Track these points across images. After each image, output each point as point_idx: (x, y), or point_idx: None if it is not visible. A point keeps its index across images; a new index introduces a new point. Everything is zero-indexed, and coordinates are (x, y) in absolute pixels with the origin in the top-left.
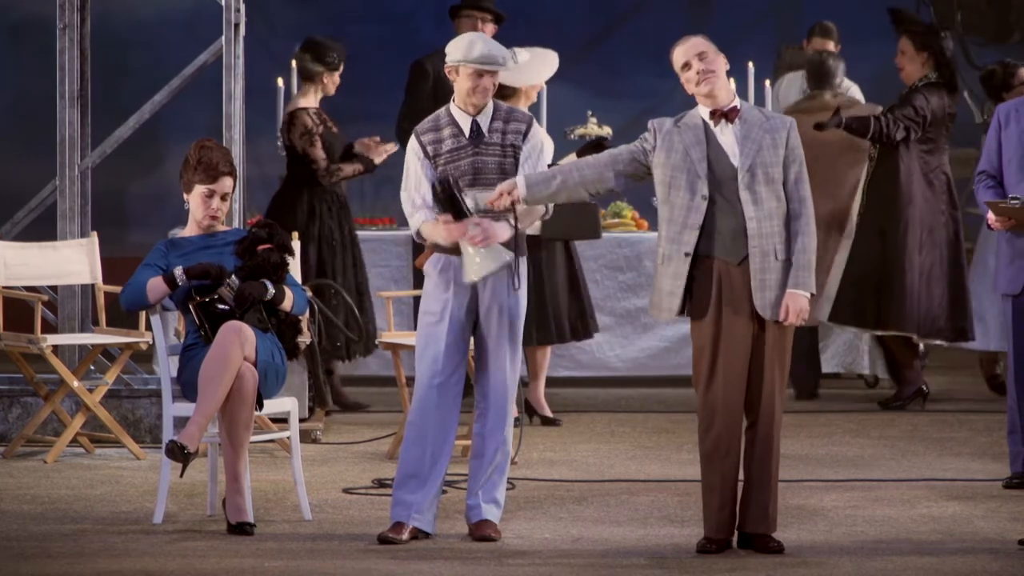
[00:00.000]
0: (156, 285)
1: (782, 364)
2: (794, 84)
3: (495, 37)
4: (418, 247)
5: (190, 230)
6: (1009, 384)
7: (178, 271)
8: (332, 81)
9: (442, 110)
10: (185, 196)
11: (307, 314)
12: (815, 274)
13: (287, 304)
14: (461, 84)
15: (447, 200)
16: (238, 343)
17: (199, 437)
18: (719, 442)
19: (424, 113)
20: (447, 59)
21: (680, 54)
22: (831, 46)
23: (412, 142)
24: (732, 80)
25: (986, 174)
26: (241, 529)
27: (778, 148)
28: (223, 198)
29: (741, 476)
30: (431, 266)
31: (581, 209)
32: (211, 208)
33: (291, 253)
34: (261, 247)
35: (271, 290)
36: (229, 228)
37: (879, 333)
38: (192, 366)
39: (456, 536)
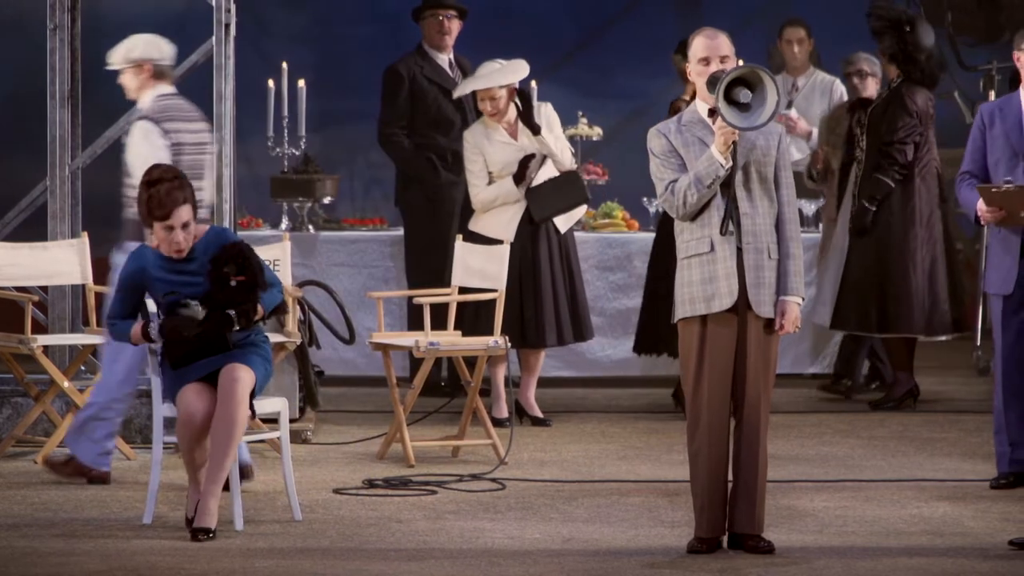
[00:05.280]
0: (136, 336)
1: (767, 364)
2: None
3: (463, 32)
4: None
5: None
6: (996, 384)
7: (153, 331)
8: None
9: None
10: (147, 230)
11: (299, 315)
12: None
13: (257, 317)
14: None
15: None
16: (203, 407)
17: (216, 509)
18: (705, 442)
19: (404, 116)
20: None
21: (703, 48)
22: (802, 33)
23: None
24: None
25: (970, 174)
26: (195, 533)
27: (771, 149)
28: (184, 227)
29: (731, 476)
30: None
31: (564, 181)
32: (175, 243)
33: (262, 288)
34: (233, 278)
35: (235, 323)
36: (198, 239)
37: (884, 336)
38: (172, 375)
39: (448, 536)
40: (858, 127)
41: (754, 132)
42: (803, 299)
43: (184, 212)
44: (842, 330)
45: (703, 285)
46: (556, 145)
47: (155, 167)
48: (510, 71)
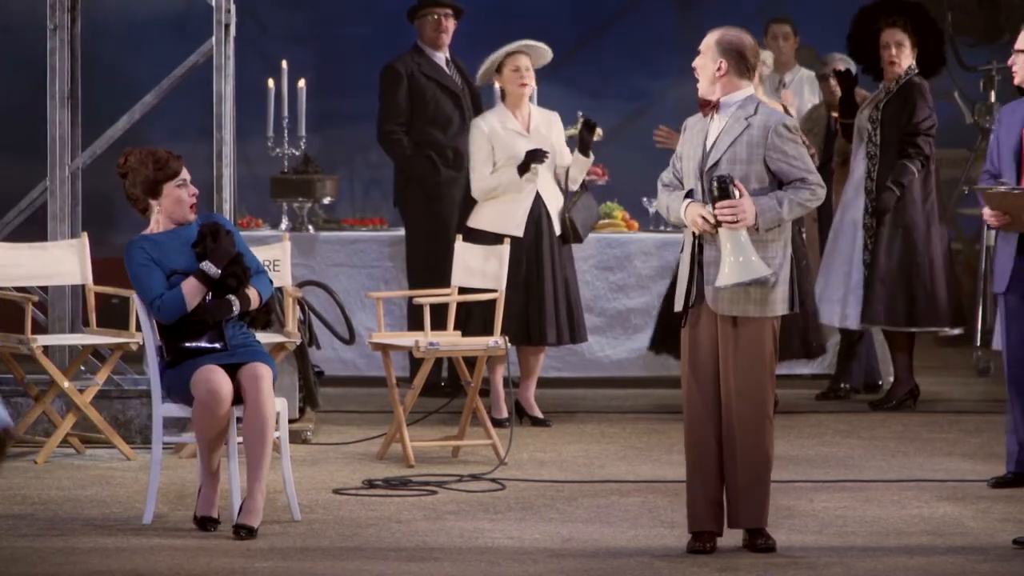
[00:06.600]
0: (192, 288)
1: (755, 361)
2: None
3: (458, 31)
4: None
5: (160, 228)
6: (1008, 385)
7: (208, 266)
8: None
9: None
10: (154, 203)
11: (299, 316)
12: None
13: (255, 302)
14: None
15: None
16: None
17: (262, 507)
18: (691, 438)
19: (403, 114)
20: None
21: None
22: (787, 29)
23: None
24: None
25: (988, 173)
26: (238, 531)
27: (755, 147)
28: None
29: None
30: None
31: (590, 202)
32: (191, 195)
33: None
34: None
35: (235, 307)
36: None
37: (912, 330)
38: (173, 373)
39: (447, 536)
40: (869, 123)
41: (740, 127)
42: (757, 222)
43: (185, 168)
44: (872, 324)
45: (678, 284)
46: (582, 170)
47: (130, 149)
48: (536, 45)
